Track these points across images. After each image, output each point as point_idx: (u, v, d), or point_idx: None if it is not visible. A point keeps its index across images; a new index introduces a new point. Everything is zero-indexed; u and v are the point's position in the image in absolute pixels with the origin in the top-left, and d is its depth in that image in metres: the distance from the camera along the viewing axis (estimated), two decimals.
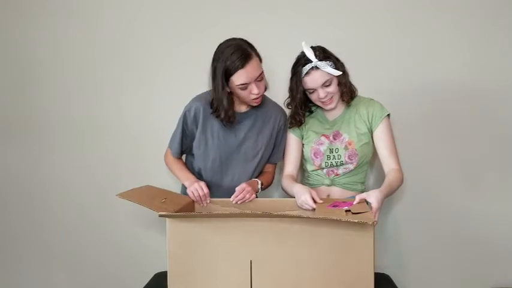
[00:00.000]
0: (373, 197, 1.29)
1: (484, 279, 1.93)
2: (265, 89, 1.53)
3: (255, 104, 1.51)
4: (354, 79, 1.59)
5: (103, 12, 1.96)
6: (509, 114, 1.88)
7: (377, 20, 1.88)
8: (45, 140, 2.03)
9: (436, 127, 1.90)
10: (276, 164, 1.72)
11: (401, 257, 1.94)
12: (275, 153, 1.67)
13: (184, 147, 1.64)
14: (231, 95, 1.51)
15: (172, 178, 1.78)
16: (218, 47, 1.46)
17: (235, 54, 1.40)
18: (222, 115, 1.50)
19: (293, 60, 1.54)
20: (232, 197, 1.47)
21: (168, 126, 1.70)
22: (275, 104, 1.66)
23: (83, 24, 1.97)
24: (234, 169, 1.60)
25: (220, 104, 1.48)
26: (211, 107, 1.53)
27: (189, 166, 1.68)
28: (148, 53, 1.95)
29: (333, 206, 1.29)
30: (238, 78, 1.42)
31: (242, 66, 1.39)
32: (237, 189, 1.48)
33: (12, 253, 2.10)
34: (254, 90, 1.44)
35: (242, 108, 1.58)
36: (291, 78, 1.54)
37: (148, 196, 1.34)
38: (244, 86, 1.43)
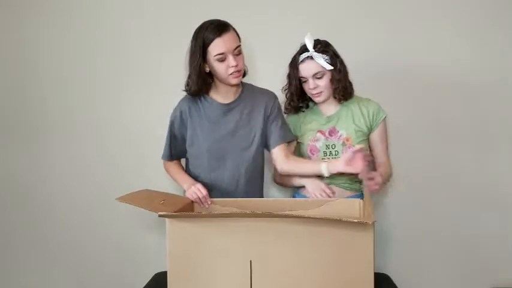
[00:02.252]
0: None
1: (484, 279, 1.92)
2: (245, 73, 1.53)
3: (234, 82, 1.49)
4: (354, 79, 1.59)
5: (103, 12, 1.96)
6: (510, 114, 1.88)
7: (377, 20, 1.88)
8: (45, 140, 2.03)
9: (436, 127, 1.90)
10: (289, 142, 1.61)
11: (402, 257, 1.94)
12: (282, 130, 1.59)
13: (175, 151, 1.63)
14: (210, 77, 1.52)
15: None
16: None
17: (211, 25, 1.44)
18: (192, 88, 1.50)
19: None
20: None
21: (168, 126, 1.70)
22: (263, 89, 1.63)
23: (83, 24, 1.97)
24: (231, 160, 1.56)
25: (192, 77, 1.48)
26: (187, 86, 1.53)
27: (188, 170, 1.65)
28: (148, 53, 1.95)
29: None
30: (215, 47, 1.43)
31: (219, 35, 1.42)
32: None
33: (12, 253, 2.10)
34: (232, 62, 1.44)
35: (229, 99, 1.56)
36: (289, 64, 1.58)
37: (147, 199, 1.34)
38: (222, 57, 1.43)
